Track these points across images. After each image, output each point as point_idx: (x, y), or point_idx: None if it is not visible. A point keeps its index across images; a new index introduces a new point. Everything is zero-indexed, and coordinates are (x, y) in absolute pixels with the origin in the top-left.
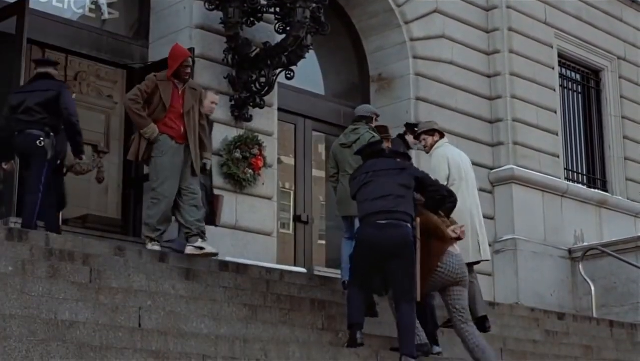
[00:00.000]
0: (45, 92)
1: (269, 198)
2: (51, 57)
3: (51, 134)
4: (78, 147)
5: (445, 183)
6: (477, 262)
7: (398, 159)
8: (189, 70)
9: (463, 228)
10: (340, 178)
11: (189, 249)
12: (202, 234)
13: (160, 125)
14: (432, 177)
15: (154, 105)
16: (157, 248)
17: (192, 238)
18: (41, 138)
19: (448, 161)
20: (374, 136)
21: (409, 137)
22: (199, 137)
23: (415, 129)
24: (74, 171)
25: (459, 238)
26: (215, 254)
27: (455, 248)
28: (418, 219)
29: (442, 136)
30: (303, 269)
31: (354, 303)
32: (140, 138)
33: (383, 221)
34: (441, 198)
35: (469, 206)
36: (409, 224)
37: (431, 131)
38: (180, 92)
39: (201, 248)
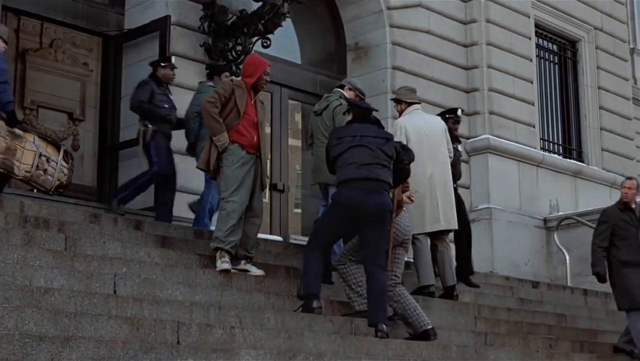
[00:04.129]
0: None
1: None
2: (27, 24)
3: None
4: None
5: None
6: (448, 231)
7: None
8: (268, 79)
9: (416, 194)
10: (314, 147)
11: (225, 266)
12: (250, 258)
13: (233, 132)
14: None
15: (227, 110)
16: (226, 266)
17: (239, 261)
18: None
19: (407, 130)
20: (341, 104)
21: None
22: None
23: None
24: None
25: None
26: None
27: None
28: (395, 191)
29: (411, 104)
30: (279, 238)
31: (312, 270)
32: (211, 146)
33: (369, 187)
34: (405, 177)
35: (428, 175)
36: (389, 194)
37: (398, 100)
38: (252, 101)
39: (246, 271)
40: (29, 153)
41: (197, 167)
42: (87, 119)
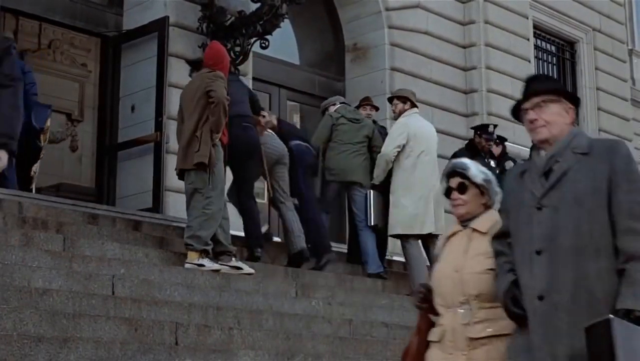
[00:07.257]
0: None
1: None
2: (25, 25)
3: None
4: None
5: (395, 151)
6: (435, 236)
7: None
8: None
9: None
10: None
11: (224, 269)
12: (234, 254)
13: None
14: (387, 141)
15: None
16: (217, 266)
17: (226, 257)
18: None
19: (408, 131)
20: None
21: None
22: None
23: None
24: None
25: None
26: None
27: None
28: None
29: (413, 106)
30: (278, 239)
31: (256, 217)
32: (210, 141)
33: (245, 124)
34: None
35: (429, 177)
36: None
37: (403, 98)
38: None
39: (239, 268)
40: None
41: (197, 162)
42: (86, 120)
